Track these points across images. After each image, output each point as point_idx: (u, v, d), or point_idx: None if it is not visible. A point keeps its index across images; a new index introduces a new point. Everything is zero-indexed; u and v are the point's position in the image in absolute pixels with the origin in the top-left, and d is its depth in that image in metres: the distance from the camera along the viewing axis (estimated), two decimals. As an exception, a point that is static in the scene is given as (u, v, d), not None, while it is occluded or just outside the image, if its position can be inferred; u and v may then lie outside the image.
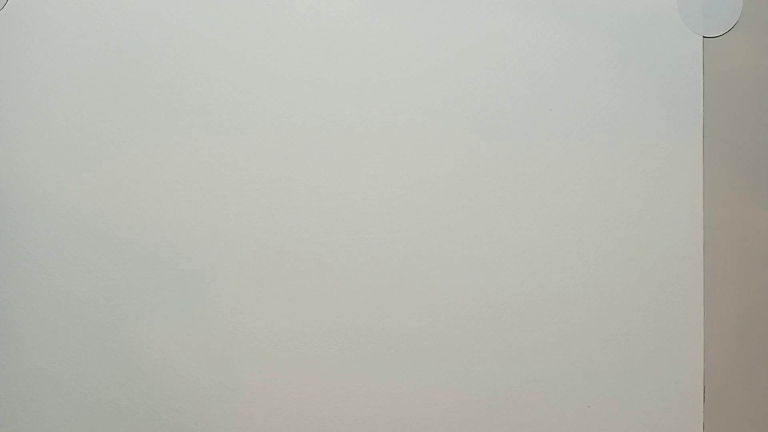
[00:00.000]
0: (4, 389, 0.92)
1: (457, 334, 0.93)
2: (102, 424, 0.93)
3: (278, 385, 0.93)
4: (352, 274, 0.92)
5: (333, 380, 0.93)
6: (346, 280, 0.92)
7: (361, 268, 0.92)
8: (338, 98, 0.91)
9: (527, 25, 0.90)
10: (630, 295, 0.92)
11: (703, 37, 0.90)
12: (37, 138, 0.90)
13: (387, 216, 0.92)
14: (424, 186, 0.91)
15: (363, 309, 0.92)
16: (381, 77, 0.91)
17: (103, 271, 0.91)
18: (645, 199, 0.91)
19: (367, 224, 0.92)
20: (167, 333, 0.92)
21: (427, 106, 0.91)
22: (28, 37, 0.89)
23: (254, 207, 0.91)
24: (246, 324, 0.92)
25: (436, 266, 0.92)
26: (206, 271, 0.92)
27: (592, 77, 0.91)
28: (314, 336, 0.92)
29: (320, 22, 0.90)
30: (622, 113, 0.91)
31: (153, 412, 0.93)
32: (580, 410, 0.93)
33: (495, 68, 0.91)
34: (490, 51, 0.91)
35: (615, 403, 0.93)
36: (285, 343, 0.92)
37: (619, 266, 0.92)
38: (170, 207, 0.91)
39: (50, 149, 0.90)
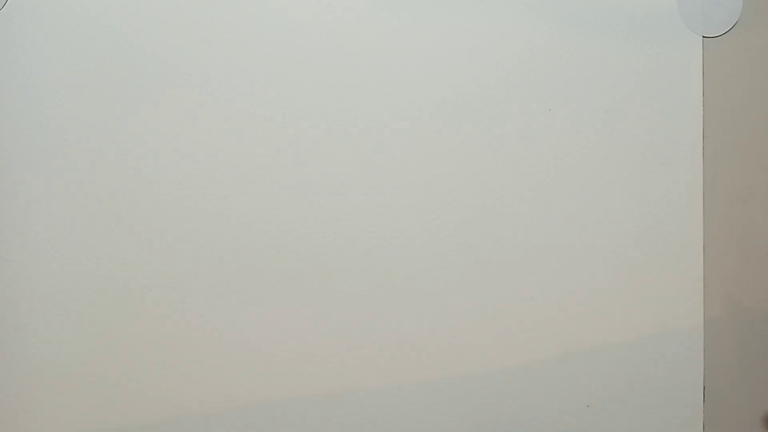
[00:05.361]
0: (4, 389, 0.92)
1: (455, 333, 0.93)
2: (102, 425, 0.93)
3: (278, 384, 0.93)
4: (352, 274, 0.92)
5: (332, 381, 0.93)
6: (345, 279, 0.92)
7: (361, 268, 0.92)
8: (338, 98, 0.91)
9: (527, 25, 0.90)
10: (630, 295, 0.92)
11: (703, 37, 0.90)
12: (37, 138, 0.90)
13: (386, 216, 0.92)
14: (423, 186, 0.91)
15: (362, 308, 0.92)
16: (381, 77, 0.91)
17: (103, 270, 0.91)
18: (645, 199, 0.91)
19: (367, 225, 0.92)
20: (168, 332, 0.92)
21: (426, 106, 0.91)
22: (27, 37, 0.89)
23: (255, 207, 0.91)
24: (247, 323, 0.92)
25: (434, 266, 0.92)
26: (207, 271, 0.92)
27: (592, 77, 0.91)
28: (314, 335, 0.92)
29: (320, 22, 0.90)
30: (622, 113, 0.91)
31: (153, 412, 0.93)
32: (580, 410, 0.94)
33: (495, 68, 0.91)
34: (490, 51, 0.91)
35: (615, 403, 0.93)
36: (285, 342, 0.92)
37: (619, 266, 0.92)
38: (171, 207, 0.91)
39: (50, 149, 0.90)
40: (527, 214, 0.92)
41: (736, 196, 0.91)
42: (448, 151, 0.91)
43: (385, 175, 0.91)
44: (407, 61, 0.91)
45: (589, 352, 0.93)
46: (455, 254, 0.92)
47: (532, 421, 0.93)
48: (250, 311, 0.92)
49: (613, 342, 0.93)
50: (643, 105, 0.91)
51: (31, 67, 0.90)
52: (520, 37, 0.90)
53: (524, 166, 0.91)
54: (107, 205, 0.91)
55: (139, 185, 0.91)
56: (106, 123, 0.90)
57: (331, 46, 0.90)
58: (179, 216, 0.91)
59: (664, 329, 0.92)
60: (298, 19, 0.90)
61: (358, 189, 0.91)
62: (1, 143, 0.90)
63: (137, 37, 0.90)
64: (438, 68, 0.91)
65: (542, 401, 0.93)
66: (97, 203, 0.91)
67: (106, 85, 0.90)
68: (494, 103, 0.91)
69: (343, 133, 0.91)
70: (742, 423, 0.93)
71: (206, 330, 0.92)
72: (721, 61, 0.91)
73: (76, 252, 0.91)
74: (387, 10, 0.90)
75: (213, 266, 0.92)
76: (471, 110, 0.91)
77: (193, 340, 0.92)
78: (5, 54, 0.90)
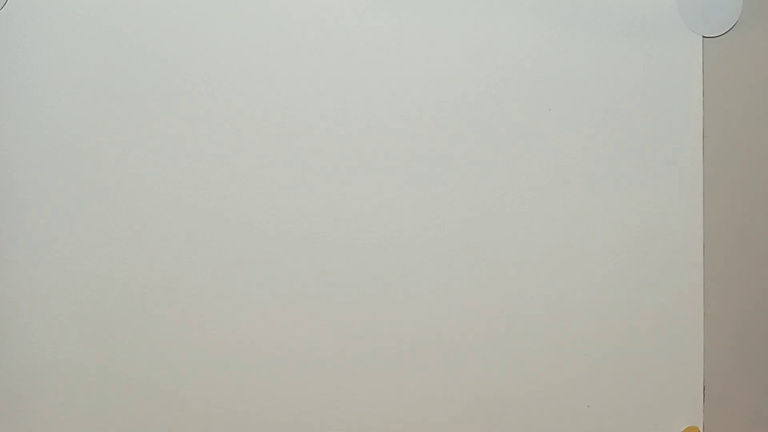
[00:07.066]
0: (4, 389, 0.92)
1: (456, 333, 0.93)
2: (102, 425, 0.93)
3: (279, 385, 0.93)
4: (352, 273, 0.92)
5: (333, 382, 0.93)
6: (345, 279, 0.92)
7: (361, 268, 0.92)
8: (338, 98, 0.91)
9: (527, 25, 0.90)
10: (630, 295, 0.92)
11: (703, 37, 0.90)
12: (37, 138, 0.90)
13: (386, 216, 0.92)
14: (423, 186, 0.91)
15: (362, 308, 0.92)
16: (381, 77, 0.91)
17: (103, 270, 0.91)
18: (645, 199, 0.91)
19: (367, 224, 0.92)
20: (168, 332, 0.92)
21: (426, 106, 0.91)
22: (27, 37, 0.89)
23: (255, 207, 0.91)
24: (247, 323, 0.92)
25: (435, 267, 0.92)
26: (207, 271, 0.92)
27: (592, 77, 0.91)
28: (315, 336, 0.92)
29: (320, 21, 0.90)
30: (622, 113, 0.91)
31: (153, 412, 0.93)
32: (580, 410, 0.94)
33: (495, 68, 0.91)
34: (490, 51, 0.91)
35: (615, 403, 0.93)
36: (285, 342, 0.92)
37: (619, 266, 0.92)
38: (171, 207, 0.91)
39: (50, 149, 0.90)
40: (527, 214, 0.92)
41: (736, 196, 0.91)
42: (448, 151, 0.91)
43: (385, 175, 0.91)
44: (407, 61, 0.91)
45: (589, 352, 0.93)
46: (456, 254, 0.92)
47: (533, 421, 0.93)
48: (250, 311, 0.92)
49: (613, 342, 0.93)
50: (643, 105, 0.91)
51: (31, 67, 0.90)
52: (520, 37, 0.90)
53: (524, 166, 0.91)
54: (107, 205, 0.91)
55: (139, 185, 0.91)
56: (106, 123, 0.90)
57: (331, 46, 0.90)
58: (179, 216, 0.91)
59: (664, 329, 0.92)
60: (298, 19, 0.90)
61: (357, 189, 0.91)
62: (1, 143, 0.90)
63: (137, 37, 0.90)
64: (438, 68, 0.91)
65: (542, 401, 0.93)
66: (97, 203, 0.91)
67: (106, 85, 0.90)
68: (494, 103, 0.91)
69: (343, 133, 0.91)
70: (742, 423, 0.93)
71: (206, 330, 0.92)
72: (721, 61, 0.91)
73: (76, 252, 0.91)
74: (387, 10, 0.90)
75: (213, 266, 0.92)
76: (471, 110, 0.91)
77: (193, 340, 0.92)
78: (5, 54, 0.90)
